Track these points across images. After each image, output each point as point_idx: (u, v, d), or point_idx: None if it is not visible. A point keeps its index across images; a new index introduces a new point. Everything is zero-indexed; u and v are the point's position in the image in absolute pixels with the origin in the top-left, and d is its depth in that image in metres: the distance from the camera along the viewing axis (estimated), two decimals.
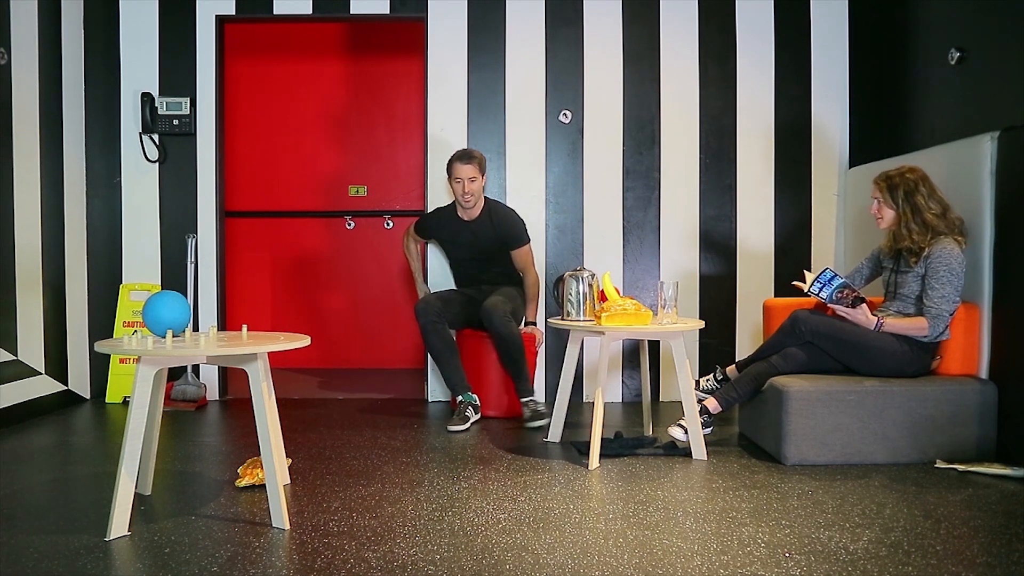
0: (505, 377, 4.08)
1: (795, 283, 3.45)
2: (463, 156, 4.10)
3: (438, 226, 4.35)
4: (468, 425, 3.88)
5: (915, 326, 3.23)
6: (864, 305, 3.28)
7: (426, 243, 4.57)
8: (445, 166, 4.19)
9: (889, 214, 3.35)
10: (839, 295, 3.26)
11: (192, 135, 4.65)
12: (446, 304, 4.10)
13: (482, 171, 4.12)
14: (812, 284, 3.30)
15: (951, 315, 3.21)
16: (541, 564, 2.17)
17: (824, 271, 3.31)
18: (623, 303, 3.29)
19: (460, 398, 3.99)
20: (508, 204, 4.53)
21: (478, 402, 4.02)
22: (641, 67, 4.63)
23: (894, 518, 2.55)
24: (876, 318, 3.27)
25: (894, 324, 3.26)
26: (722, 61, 4.63)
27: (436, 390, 4.65)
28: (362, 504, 2.69)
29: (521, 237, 4.24)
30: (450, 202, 4.32)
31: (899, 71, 4.21)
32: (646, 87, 4.64)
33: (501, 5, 4.63)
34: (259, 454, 2.85)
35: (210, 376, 4.64)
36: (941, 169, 3.44)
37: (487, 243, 4.21)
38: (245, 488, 2.86)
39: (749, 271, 4.64)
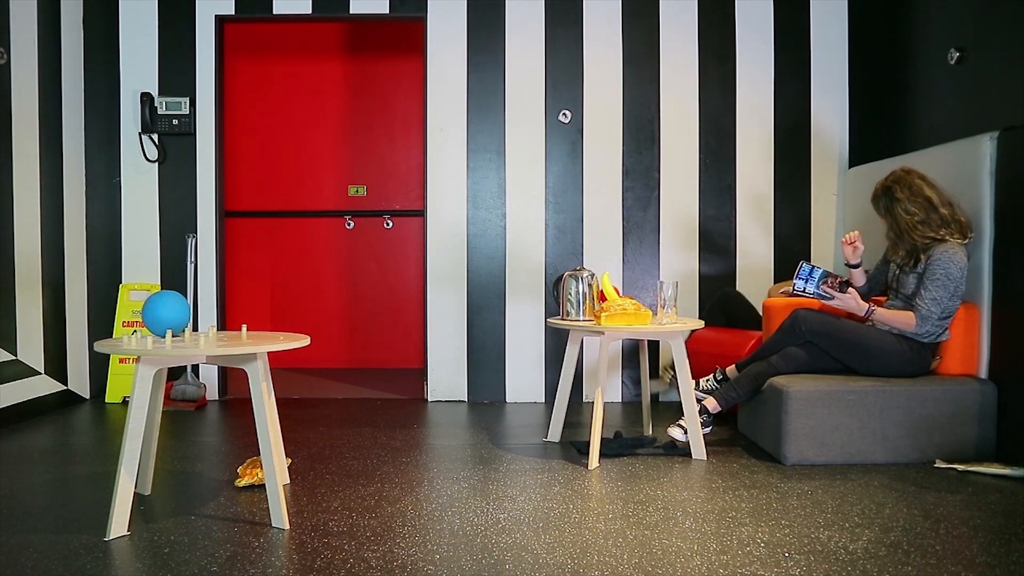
0: None
1: (782, 290, 3.48)
2: None
3: None
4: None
5: (904, 320, 3.23)
6: (852, 290, 3.28)
7: None
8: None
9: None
10: (825, 286, 3.26)
11: (192, 135, 4.65)
12: None
13: None
14: (795, 283, 3.29)
15: (940, 318, 3.21)
16: (541, 564, 2.17)
17: (801, 266, 3.30)
18: (622, 303, 3.29)
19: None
20: (508, 204, 4.61)
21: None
22: (641, 67, 4.63)
23: (894, 518, 2.55)
24: (867, 304, 3.27)
25: (884, 314, 3.26)
26: (722, 61, 4.63)
27: (436, 390, 4.65)
28: (362, 504, 2.69)
29: None
30: None
31: (899, 71, 4.21)
32: (646, 87, 4.64)
33: (501, 5, 4.62)
34: (259, 454, 2.86)
35: (210, 376, 4.64)
36: (941, 169, 3.44)
37: None
38: (245, 488, 2.86)
39: (749, 271, 4.64)
